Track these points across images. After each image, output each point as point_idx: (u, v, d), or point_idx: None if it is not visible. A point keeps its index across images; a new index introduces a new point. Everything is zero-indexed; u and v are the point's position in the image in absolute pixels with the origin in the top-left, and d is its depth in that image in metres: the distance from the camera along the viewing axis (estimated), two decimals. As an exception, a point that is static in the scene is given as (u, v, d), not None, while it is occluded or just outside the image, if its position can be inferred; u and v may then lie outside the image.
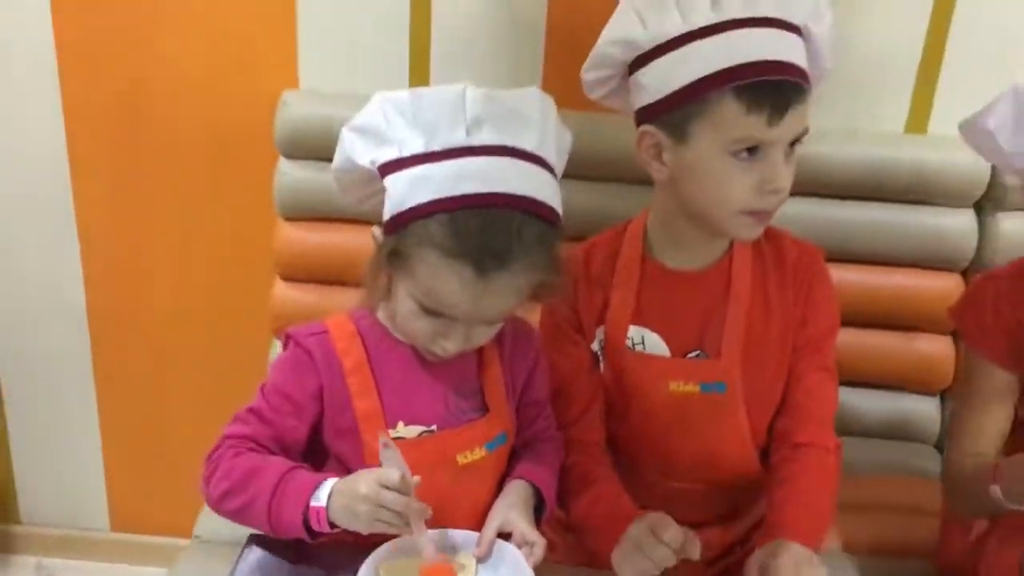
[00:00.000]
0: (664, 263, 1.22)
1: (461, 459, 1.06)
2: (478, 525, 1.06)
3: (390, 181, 1.00)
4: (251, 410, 1.06)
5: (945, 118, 1.22)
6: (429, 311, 1.01)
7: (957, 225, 1.54)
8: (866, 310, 1.56)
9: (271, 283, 1.64)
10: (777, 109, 1.07)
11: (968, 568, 1.24)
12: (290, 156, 1.57)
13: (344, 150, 1.05)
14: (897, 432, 1.62)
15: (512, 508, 1.06)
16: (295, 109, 1.56)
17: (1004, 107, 1.09)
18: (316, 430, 1.07)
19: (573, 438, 1.21)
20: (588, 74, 1.19)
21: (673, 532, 1.01)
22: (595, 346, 1.23)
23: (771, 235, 1.22)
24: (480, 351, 1.10)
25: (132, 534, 1.98)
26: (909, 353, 1.59)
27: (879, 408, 1.62)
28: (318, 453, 1.08)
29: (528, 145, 1.01)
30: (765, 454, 1.26)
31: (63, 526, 1.98)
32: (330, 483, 0.99)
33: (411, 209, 0.98)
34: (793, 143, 1.11)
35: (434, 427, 1.07)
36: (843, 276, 1.51)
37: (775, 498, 1.16)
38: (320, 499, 0.98)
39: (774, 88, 1.07)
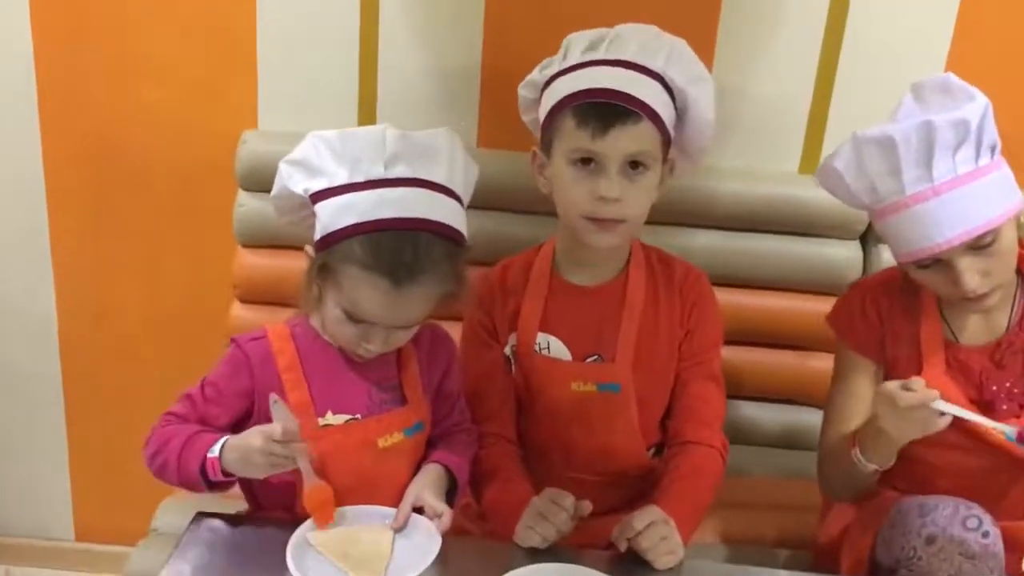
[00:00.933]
0: (568, 279, 1.38)
1: (382, 442, 1.20)
2: (397, 502, 1.19)
3: (320, 207, 1.15)
4: (187, 396, 1.21)
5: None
6: (353, 318, 1.15)
7: (844, 255, 1.68)
8: (763, 331, 1.70)
9: (230, 303, 1.74)
10: (601, 125, 1.24)
11: (835, 553, 1.36)
12: (248, 189, 1.68)
13: (281, 180, 1.20)
14: (792, 442, 1.73)
15: (425, 487, 1.19)
16: (254, 147, 1.67)
17: (847, 151, 1.25)
18: (243, 419, 1.20)
19: (486, 432, 1.35)
20: (524, 116, 1.40)
21: (570, 500, 1.18)
22: (507, 351, 1.38)
23: (663, 259, 1.39)
24: (400, 352, 1.24)
25: (95, 543, 2.03)
26: (803, 370, 1.70)
27: (776, 420, 1.74)
28: None
29: (438, 177, 1.17)
30: (658, 452, 1.40)
31: (29, 536, 2.03)
32: (223, 439, 1.14)
33: (337, 231, 1.13)
34: (634, 165, 1.27)
35: (359, 415, 1.20)
36: (743, 300, 1.67)
37: (661, 485, 1.30)
38: (214, 451, 1.13)
39: (600, 109, 1.25)
